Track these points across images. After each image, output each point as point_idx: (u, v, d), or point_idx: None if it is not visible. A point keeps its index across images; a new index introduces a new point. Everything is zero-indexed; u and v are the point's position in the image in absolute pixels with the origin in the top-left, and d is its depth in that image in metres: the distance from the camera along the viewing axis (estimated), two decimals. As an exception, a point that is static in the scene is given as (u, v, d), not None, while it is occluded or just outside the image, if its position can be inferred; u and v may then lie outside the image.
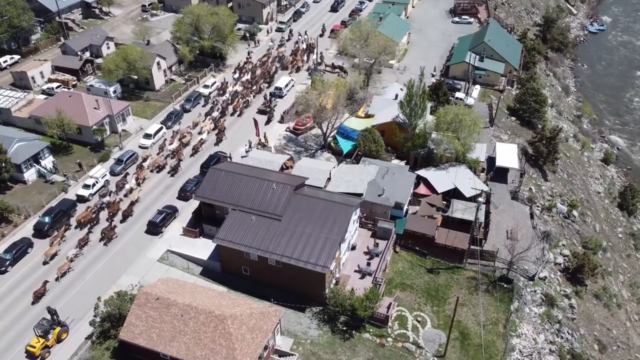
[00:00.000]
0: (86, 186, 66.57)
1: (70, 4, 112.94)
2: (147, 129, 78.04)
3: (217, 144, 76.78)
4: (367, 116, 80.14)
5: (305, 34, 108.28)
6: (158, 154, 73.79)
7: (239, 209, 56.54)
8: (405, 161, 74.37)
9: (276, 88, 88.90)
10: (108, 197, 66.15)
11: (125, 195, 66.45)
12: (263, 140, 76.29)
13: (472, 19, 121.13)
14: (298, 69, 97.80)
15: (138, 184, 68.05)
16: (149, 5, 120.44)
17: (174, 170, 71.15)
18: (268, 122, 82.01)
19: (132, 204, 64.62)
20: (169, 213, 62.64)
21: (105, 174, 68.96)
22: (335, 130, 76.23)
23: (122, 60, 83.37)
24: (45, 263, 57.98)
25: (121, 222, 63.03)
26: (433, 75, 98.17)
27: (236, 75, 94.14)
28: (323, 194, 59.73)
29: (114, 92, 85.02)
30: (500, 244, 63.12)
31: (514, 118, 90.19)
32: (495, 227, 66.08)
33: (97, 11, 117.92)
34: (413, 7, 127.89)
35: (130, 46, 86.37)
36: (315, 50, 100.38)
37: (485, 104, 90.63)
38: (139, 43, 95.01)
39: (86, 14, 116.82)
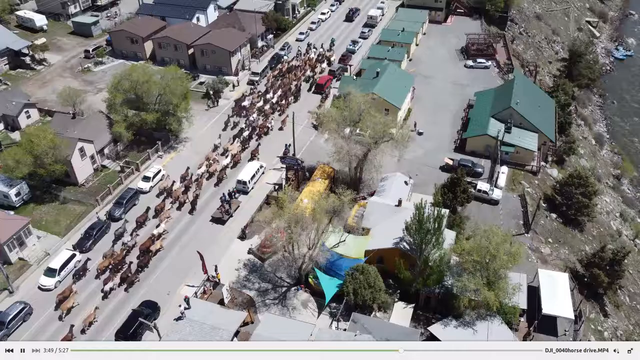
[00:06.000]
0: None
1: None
2: (50, 262, 55.35)
3: (217, 184, 69.15)
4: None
5: (322, 46, 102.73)
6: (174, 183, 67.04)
7: None
8: (413, 304, 52.88)
9: (238, 182, 66.56)
10: (129, 238, 58.77)
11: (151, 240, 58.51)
12: (214, 275, 54.46)
13: (489, 62, 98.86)
14: (309, 80, 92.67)
15: (163, 232, 60.29)
16: (93, 50, 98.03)
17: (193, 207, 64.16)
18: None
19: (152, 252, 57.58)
20: None
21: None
22: (314, 262, 54.19)
23: (25, 152, 61.04)
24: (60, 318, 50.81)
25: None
26: (420, 134, 77.57)
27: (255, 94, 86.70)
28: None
29: (17, 194, 62.84)
30: None
31: (554, 215, 68.24)
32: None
33: (28, 59, 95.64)
34: (417, 45, 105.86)
35: (38, 132, 62.66)
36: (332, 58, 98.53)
37: (515, 196, 68.68)
38: (62, 116, 72.58)
39: (14, 64, 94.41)
